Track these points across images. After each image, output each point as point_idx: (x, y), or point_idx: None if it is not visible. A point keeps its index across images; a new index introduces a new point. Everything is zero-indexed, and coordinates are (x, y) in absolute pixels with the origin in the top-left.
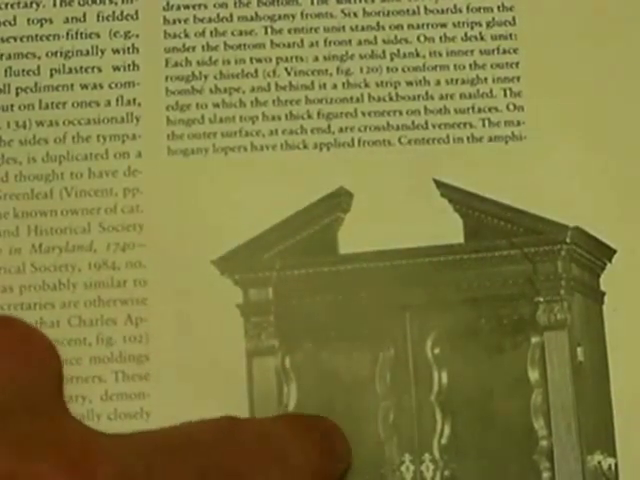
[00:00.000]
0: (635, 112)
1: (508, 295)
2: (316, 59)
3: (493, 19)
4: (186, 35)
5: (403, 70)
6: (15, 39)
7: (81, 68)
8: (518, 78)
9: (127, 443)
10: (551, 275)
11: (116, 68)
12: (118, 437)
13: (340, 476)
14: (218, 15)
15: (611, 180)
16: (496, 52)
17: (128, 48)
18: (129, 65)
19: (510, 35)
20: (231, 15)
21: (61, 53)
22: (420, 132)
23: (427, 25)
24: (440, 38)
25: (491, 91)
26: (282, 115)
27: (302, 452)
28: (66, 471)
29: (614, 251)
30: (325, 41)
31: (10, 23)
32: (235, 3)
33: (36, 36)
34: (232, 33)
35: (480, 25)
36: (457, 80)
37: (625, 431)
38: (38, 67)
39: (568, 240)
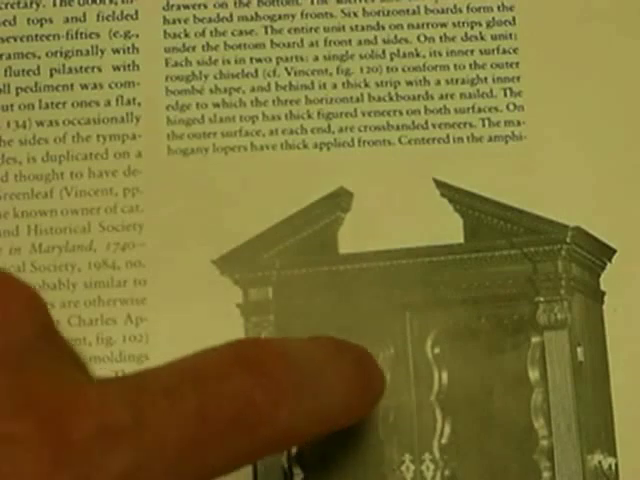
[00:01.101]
0: (635, 112)
1: (508, 295)
2: (316, 59)
3: (493, 19)
4: (186, 35)
5: (403, 70)
6: (15, 39)
7: (81, 68)
8: (518, 78)
9: (116, 389)
10: (551, 275)
11: (116, 68)
12: (108, 383)
13: (373, 402)
14: (218, 15)
15: (611, 180)
16: (496, 52)
17: (128, 48)
18: (129, 65)
19: (510, 35)
20: (231, 15)
21: (61, 53)
22: (420, 132)
23: (427, 25)
24: (440, 38)
25: (491, 91)
26: (282, 115)
27: (336, 373)
28: (37, 429)
29: (614, 251)
30: (325, 41)
31: (10, 23)
32: (235, 3)
33: (36, 36)
34: (232, 33)
35: (480, 25)
36: (457, 80)
37: (625, 431)
38: (38, 67)
39: (568, 240)
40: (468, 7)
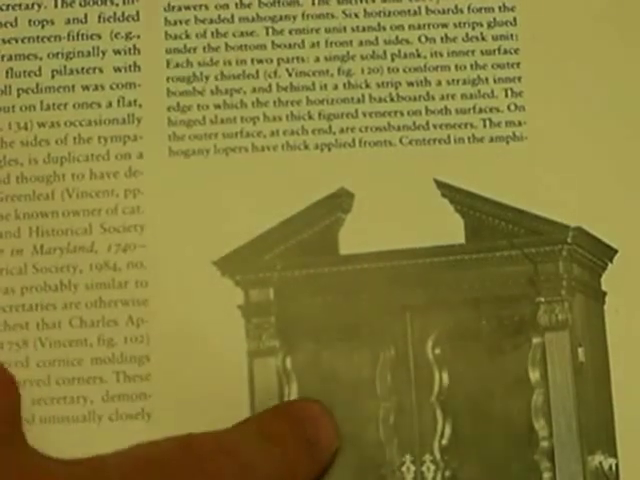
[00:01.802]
0: (636, 112)
1: (509, 295)
2: (317, 60)
3: (494, 19)
4: (187, 36)
5: (404, 71)
6: (16, 40)
7: (82, 69)
8: (519, 78)
9: (81, 471)
10: (552, 275)
11: (117, 69)
12: (73, 464)
13: (322, 463)
14: (219, 16)
15: (612, 180)
16: (497, 52)
17: (129, 49)
18: (130, 66)
19: (511, 35)
20: (232, 16)
21: (62, 54)
22: (421, 132)
23: (428, 25)
24: (441, 38)
25: (492, 91)
26: (283, 116)
27: (264, 457)
28: None
29: (615, 251)
30: (326, 42)
31: (11, 24)
32: (236, 4)
33: (37, 37)
34: (233, 34)
35: (481, 25)
36: (458, 80)
37: (626, 431)
38: (39, 68)
39: (569, 240)
40: (469, 8)
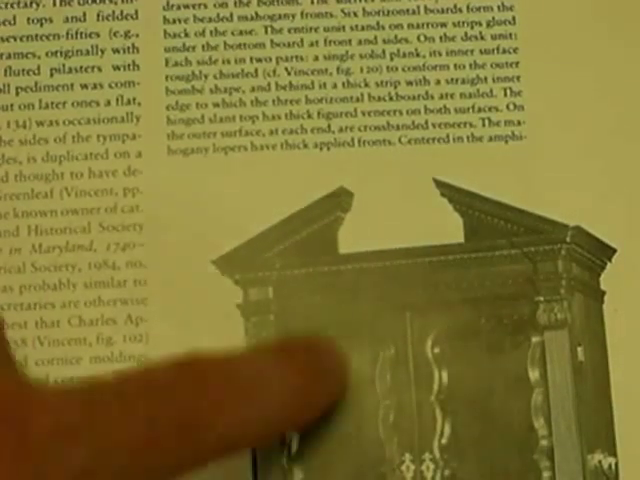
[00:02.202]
0: (635, 112)
1: (508, 295)
2: (316, 59)
3: (493, 18)
4: (186, 34)
5: (403, 70)
6: (15, 39)
7: (81, 68)
8: (518, 78)
9: (68, 393)
10: (551, 275)
11: (116, 68)
12: (58, 387)
13: (328, 402)
14: (218, 15)
15: (611, 180)
16: (496, 52)
17: (128, 48)
18: (129, 65)
19: (510, 35)
20: (231, 15)
21: (61, 53)
22: (420, 132)
23: (427, 24)
24: (440, 38)
25: (491, 91)
26: (282, 115)
27: (279, 382)
28: None
29: (614, 250)
30: (325, 41)
31: (10, 22)
32: (235, 3)
33: (36, 36)
34: (232, 33)
35: (480, 25)
36: (457, 80)
37: (625, 430)
38: (38, 67)
39: (568, 239)
40: (468, 7)
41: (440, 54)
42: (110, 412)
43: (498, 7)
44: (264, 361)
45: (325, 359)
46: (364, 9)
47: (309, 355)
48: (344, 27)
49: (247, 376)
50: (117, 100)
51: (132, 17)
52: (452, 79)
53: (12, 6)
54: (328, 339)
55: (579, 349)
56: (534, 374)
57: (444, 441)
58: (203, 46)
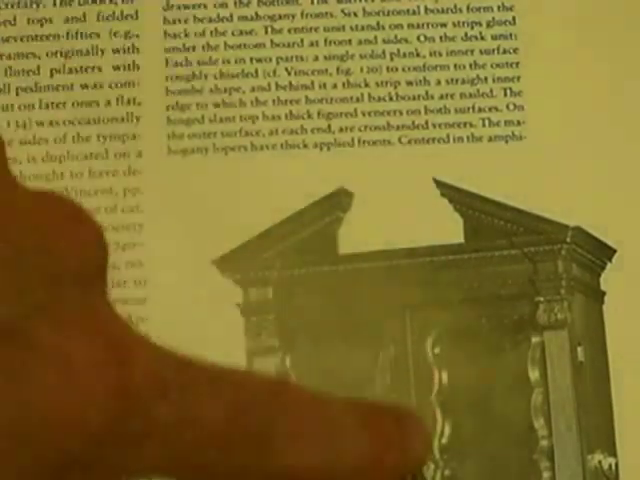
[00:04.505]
0: (635, 112)
1: (508, 295)
2: (316, 59)
3: (493, 19)
4: (186, 35)
5: (403, 70)
6: (15, 39)
7: (81, 68)
8: (518, 78)
9: (168, 354)
10: (551, 275)
11: (116, 68)
12: (156, 344)
13: (405, 469)
14: (218, 15)
15: (611, 180)
16: (496, 52)
17: (128, 48)
18: (129, 65)
19: (510, 35)
20: (231, 15)
21: (61, 53)
22: (420, 132)
23: (427, 25)
24: (440, 38)
25: (491, 91)
26: (282, 115)
27: (359, 442)
28: (103, 348)
29: (614, 251)
30: (325, 41)
31: (10, 23)
32: (235, 3)
33: (36, 36)
34: (232, 33)
35: (480, 25)
36: (457, 80)
37: (625, 430)
38: (38, 67)
39: (568, 240)
40: (468, 7)
41: (440, 54)
42: (198, 388)
43: (498, 7)
44: (352, 418)
45: (412, 439)
46: (364, 9)
47: (397, 429)
48: (344, 27)
49: (331, 421)
50: (117, 100)
51: (132, 17)
52: (452, 79)
53: (12, 6)
54: (414, 414)
55: (579, 349)
56: (534, 374)
57: (444, 441)
58: (203, 46)
